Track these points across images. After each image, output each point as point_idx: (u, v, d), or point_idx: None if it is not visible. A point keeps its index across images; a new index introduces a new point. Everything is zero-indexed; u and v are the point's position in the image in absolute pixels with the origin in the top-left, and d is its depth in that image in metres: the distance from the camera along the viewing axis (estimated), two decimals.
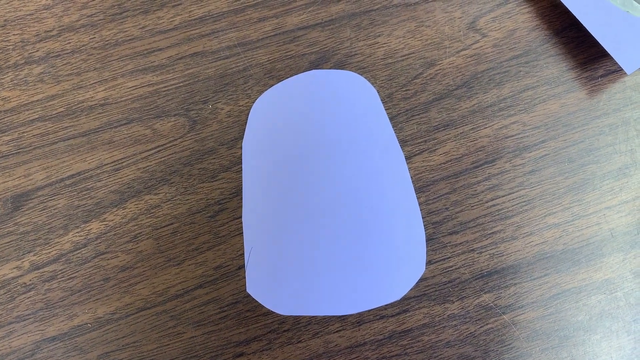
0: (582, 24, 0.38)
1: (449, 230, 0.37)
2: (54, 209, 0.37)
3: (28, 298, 0.36)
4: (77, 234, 0.36)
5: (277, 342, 0.35)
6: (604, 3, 0.38)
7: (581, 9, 0.38)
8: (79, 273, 0.36)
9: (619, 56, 0.37)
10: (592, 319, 0.36)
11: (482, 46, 0.39)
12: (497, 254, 0.36)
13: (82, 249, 0.36)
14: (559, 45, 0.39)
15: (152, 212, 0.37)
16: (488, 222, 0.37)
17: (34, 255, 0.36)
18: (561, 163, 0.38)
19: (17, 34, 0.39)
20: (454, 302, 0.36)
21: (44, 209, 0.37)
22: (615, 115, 0.38)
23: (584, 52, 0.39)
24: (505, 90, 0.38)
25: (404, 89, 0.38)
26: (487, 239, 0.37)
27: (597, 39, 0.37)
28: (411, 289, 0.36)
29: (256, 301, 0.36)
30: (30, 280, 0.36)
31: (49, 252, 0.36)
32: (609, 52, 0.37)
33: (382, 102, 0.38)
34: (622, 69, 0.39)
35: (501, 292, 0.36)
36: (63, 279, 0.36)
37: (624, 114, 0.38)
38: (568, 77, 0.39)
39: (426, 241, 0.36)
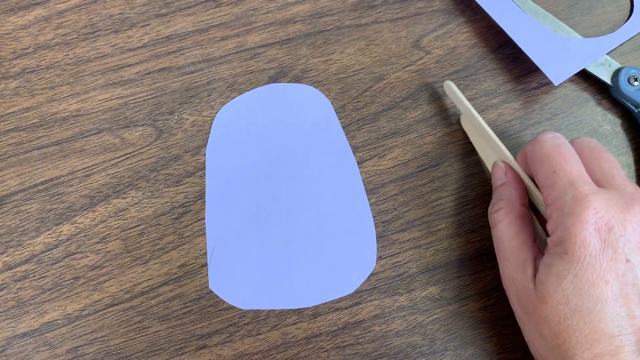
0: (515, 42, 0.43)
1: (397, 228, 0.40)
2: (27, 213, 0.39)
3: (0, 297, 0.38)
4: (48, 236, 0.39)
5: (238, 335, 0.38)
6: (534, 23, 0.43)
7: (514, 27, 0.43)
8: (50, 272, 0.39)
9: (547, 69, 0.42)
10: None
11: (425, 62, 0.44)
12: (442, 250, 0.40)
13: (53, 250, 0.39)
14: (495, 61, 0.44)
15: (120, 215, 0.40)
16: (433, 220, 0.41)
17: (6, 257, 0.39)
18: None
19: None
20: (402, 295, 0.39)
21: (17, 213, 0.39)
22: (546, 124, 0.43)
23: (518, 67, 0.44)
24: (447, 102, 0.43)
25: (355, 101, 0.43)
26: (432, 236, 0.40)
27: (528, 54, 0.42)
28: (363, 283, 0.39)
29: (218, 297, 0.39)
30: (2, 280, 0.38)
31: (22, 253, 0.39)
32: (538, 66, 0.42)
33: (336, 113, 0.42)
34: (551, 82, 0.43)
35: (446, 285, 0.40)
36: (34, 278, 0.38)
37: (554, 122, 0.43)
38: (504, 89, 0.43)
39: (376, 238, 0.40)
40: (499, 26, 0.45)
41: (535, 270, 0.33)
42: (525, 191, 0.37)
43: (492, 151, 0.40)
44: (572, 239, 0.31)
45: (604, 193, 0.32)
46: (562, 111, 0.43)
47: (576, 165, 0.33)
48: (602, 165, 0.34)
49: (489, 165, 0.40)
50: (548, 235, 0.33)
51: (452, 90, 0.41)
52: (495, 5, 0.44)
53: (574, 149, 0.35)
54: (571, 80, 0.44)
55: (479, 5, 0.45)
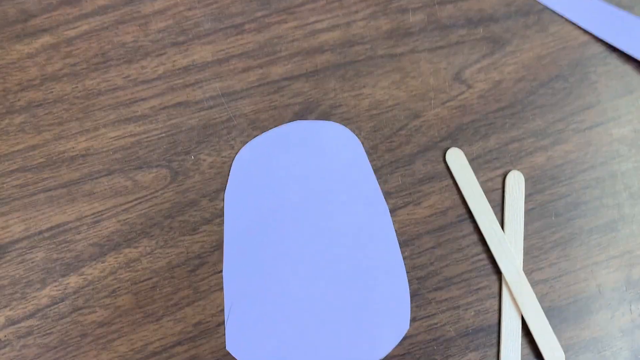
0: (566, 76, 0.40)
1: (433, 286, 0.37)
2: (32, 262, 0.37)
3: (3, 355, 0.36)
4: (54, 288, 0.37)
5: None
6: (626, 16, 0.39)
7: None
8: (56, 329, 0.36)
9: None
10: None
11: (467, 97, 0.40)
12: (483, 311, 0.37)
13: (60, 304, 0.37)
14: (545, 96, 0.40)
15: (132, 266, 0.37)
16: (474, 277, 0.38)
17: (9, 310, 0.37)
18: (547, 217, 0.38)
19: None
20: None
21: (21, 262, 0.37)
22: (602, 169, 0.39)
23: (571, 103, 0.40)
24: (491, 142, 0.39)
25: (388, 141, 0.39)
26: (472, 295, 0.37)
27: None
28: (395, 347, 0.36)
29: (236, 359, 0.36)
30: (5, 335, 0.36)
31: (25, 307, 0.37)
32: None
33: (367, 154, 0.39)
34: (609, 121, 0.40)
35: (487, 351, 0.37)
36: (39, 334, 0.36)
37: (610, 167, 0.39)
38: (555, 129, 0.40)
39: (410, 297, 0.37)
40: (549, 57, 0.41)
41: None
42: None
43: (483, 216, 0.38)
44: None
45: None
46: (620, 154, 0.40)
47: None
48: None
49: (474, 212, 0.38)
50: None
51: (457, 159, 0.38)
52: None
53: None
54: (630, 119, 0.40)
55: (527, 33, 0.41)
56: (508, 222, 0.38)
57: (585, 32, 0.41)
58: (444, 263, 0.38)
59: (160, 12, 0.41)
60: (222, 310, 0.37)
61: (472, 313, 0.37)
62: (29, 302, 0.37)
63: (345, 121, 0.40)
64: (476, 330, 0.37)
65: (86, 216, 0.38)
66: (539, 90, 0.41)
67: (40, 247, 0.38)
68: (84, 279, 0.37)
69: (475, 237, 0.38)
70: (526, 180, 0.39)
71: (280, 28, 0.41)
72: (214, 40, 0.41)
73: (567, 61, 0.41)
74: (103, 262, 0.38)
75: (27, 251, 0.38)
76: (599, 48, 0.41)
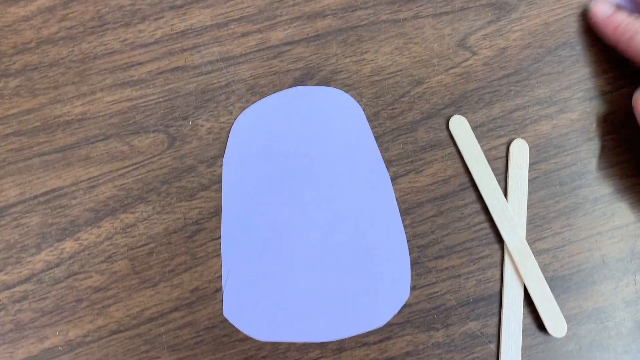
0: (573, 44, 0.39)
1: (434, 255, 0.37)
2: (27, 227, 0.37)
3: None
4: (50, 253, 0.36)
5: None
6: None
7: None
8: (51, 294, 0.36)
9: None
10: (582, 349, 0.36)
11: (472, 64, 0.39)
12: (484, 280, 0.37)
13: (55, 269, 0.36)
14: (551, 64, 0.39)
15: (128, 232, 0.37)
16: (475, 246, 0.37)
17: (4, 275, 0.36)
18: (552, 186, 0.38)
19: None
20: (438, 330, 0.36)
21: (16, 227, 0.37)
22: (607, 138, 0.39)
23: (577, 71, 0.39)
24: (495, 110, 0.39)
25: (390, 108, 0.39)
26: (473, 264, 0.37)
27: None
28: (394, 316, 0.36)
29: (233, 326, 0.36)
30: (0, 300, 0.36)
31: (21, 272, 0.36)
32: None
33: (368, 121, 0.38)
34: (616, 90, 0.39)
35: (488, 320, 0.36)
36: (34, 299, 0.36)
37: (617, 136, 0.39)
38: (560, 97, 0.39)
39: (411, 265, 0.37)
40: (556, 24, 0.40)
41: None
42: None
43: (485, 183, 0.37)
44: None
45: None
46: (626, 125, 0.39)
47: None
48: None
49: (477, 180, 0.37)
50: None
51: (461, 127, 0.37)
52: None
53: None
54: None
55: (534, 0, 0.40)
56: (511, 191, 0.38)
57: None
58: (445, 232, 0.37)
59: None
60: (220, 276, 0.37)
61: (473, 282, 0.37)
62: (24, 266, 0.37)
63: (347, 87, 0.39)
64: (477, 299, 0.37)
65: (82, 181, 0.38)
66: (545, 58, 0.40)
67: (36, 211, 0.37)
68: (79, 244, 0.37)
69: (477, 206, 0.38)
70: (530, 149, 0.38)
71: None
72: (213, 3, 0.40)
73: (575, 28, 0.40)
74: (99, 228, 0.37)
75: (22, 215, 0.37)
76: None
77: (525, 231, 0.37)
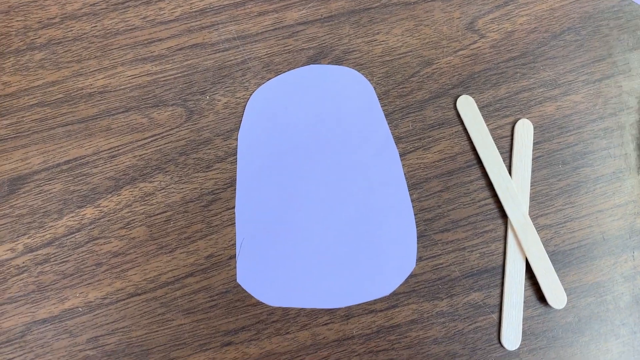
0: (578, 29, 0.40)
1: (440, 228, 0.38)
2: (50, 194, 0.38)
3: (21, 280, 0.37)
4: (71, 219, 0.38)
5: (266, 333, 0.37)
6: None
7: None
8: (72, 257, 0.38)
9: None
10: (580, 321, 0.37)
11: (479, 47, 0.41)
12: (488, 253, 0.38)
13: (76, 234, 0.38)
14: (556, 48, 0.41)
15: (146, 200, 0.38)
16: (480, 220, 0.39)
17: (28, 238, 0.38)
18: (555, 165, 0.39)
19: (20, 20, 0.41)
20: (443, 300, 0.38)
21: (39, 193, 0.38)
22: (610, 120, 0.40)
23: (581, 56, 0.41)
24: (501, 91, 0.40)
25: (400, 87, 0.40)
26: (478, 238, 0.38)
27: None
28: (400, 285, 0.38)
29: (246, 291, 0.37)
30: (23, 262, 0.38)
31: (43, 236, 0.38)
32: None
33: (378, 99, 0.40)
34: (619, 74, 0.40)
35: (491, 291, 0.38)
36: (56, 262, 0.38)
37: (619, 119, 0.40)
38: (564, 80, 0.41)
39: (417, 238, 0.38)
40: (562, 9, 0.41)
41: None
42: None
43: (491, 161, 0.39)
44: None
45: None
46: (629, 106, 0.40)
47: None
48: None
49: (483, 157, 0.39)
50: None
51: (468, 106, 0.39)
52: None
53: None
54: None
55: None
56: (516, 169, 0.39)
57: None
58: (451, 206, 0.39)
59: None
60: (234, 244, 0.38)
61: (477, 255, 0.38)
62: (47, 231, 0.38)
63: (358, 66, 0.41)
64: (481, 271, 0.38)
65: (103, 151, 0.39)
66: (550, 42, 0.41)
67: (58, 179, 0.39)
68: (99, 210, 0.38)
69: (482, 182, 0.39)
70: (535, 129, 0.40)
71: None
72: None
73: (579, 14, 0.42)
74: (119, 195, 0.39)
75: (45, 182, 0.39)
76: (611, 2, 0.42)
77: (528, 207, 0.39)
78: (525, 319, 0.37)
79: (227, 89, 0.40)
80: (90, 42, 0.41)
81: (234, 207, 0.39)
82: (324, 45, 0.41)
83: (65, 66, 0.40)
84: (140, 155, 0.39)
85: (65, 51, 0.41)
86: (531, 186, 0.39)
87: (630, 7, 0.42)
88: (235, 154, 0.39)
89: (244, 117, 0.40)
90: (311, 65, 0.41)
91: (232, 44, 0.41)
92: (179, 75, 0.40)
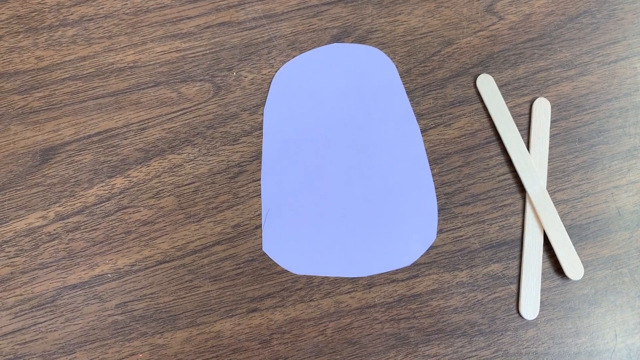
0: (594, 12, 0.42)
1: (460, 202, 0.40)
2: (81, 164, 0.40)
3: (52, 247, 0.38)
4: (101, 188, 0.39)
5: (290, 300, 0.38)
6: None
7: None
8: (102, 225, 0.39)
9: None
10: (597, 292, 0.38)
11: (498, 28, 0.42)
12: (507, 226, 0.39)
13: (106, 203, 0.39)
14: (572, 30, 0.42)
15: (175, 171, 0.40)
16: (499, 195, 0.40)
17: (59, 206, 0.39)
18: (571, 142, 0.41)
19: None
20: (463, 270, 0.39)
21: (70, 163, 0.40)
22: (625, 99, 0.41)
23: (597, 38, 0.42)
24: (519, 71, 0.42)
25: (422, 65, 0.42)
26: (497, 211, 0.39)
27: None
28: (422, 256, 0.39)
29: (271, 260, 0.38)
30: (54, 229, 0.39)
31: (74, 204, 0.39)
32: None
33: (400, 77, 0.41)
34: (634, 56, 0.41)
35: (509, 263, 0.39)
36: (86, 230, 0.39)
37: (634, 99, 0.41)
38: (580, 61, 0.42)
39: (438, 211, 0.39)
40: None
41: None
42: None
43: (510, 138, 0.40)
44: None
45: None
46: None
47: None
48: None
49: (502, 134, 0.40)
50: None
51: (488, 85, 0.40)
52: None
53: None
54: None
55: None
56: (534, 145, 0.40)
57: None
58: (471, 181, 0.40)
59: None
60: (260, 214, 0.39)
61: (497, 228, 0.39)
62: (77, 199, 0.39)
63: (381, 45, 0.42)
64: (500, 243, 0.39)
65: (133, 123, 0.40)
66: (567, 25, 0.43)
67: (89, 150, 0.40)
68: (129, 180, 0.40)
69: (501, 158, 0.40)
70: (552, 107, 0.41)
71: None
72: None
73: None
74: (148, 166, 0.40)
75: (76, 153, 0.40)
76: None
77: (545, 182, 0.40)
78: (543, 290, 0.38)
79: (254, 65, 0.42)
80: (121, 19, 0.42)
81: (259, 179, 0.40)
82: (347, 24, 0.42)
83: (97, 42, 0.42)
84: (169, 128, 0.40)
85: (97, 27, 0.42)
86: (549, 162, 0.40)
87: None
88: (261, 128, 0.41)
89: (269, 92, 0.41)
90: (335, 44, 0.42)
91: (258, 23, 0.42)
92: (207, 52, 0.42)
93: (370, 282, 0.38)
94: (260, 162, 0.40)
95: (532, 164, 0.40)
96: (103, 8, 0.42)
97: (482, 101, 0.41)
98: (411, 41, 0.42)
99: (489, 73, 0.42)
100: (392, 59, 0.42)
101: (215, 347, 0.37)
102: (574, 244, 0.39)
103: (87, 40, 0.42)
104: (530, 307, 0.38)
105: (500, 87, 0.41)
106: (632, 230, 0.40)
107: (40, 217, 0.39)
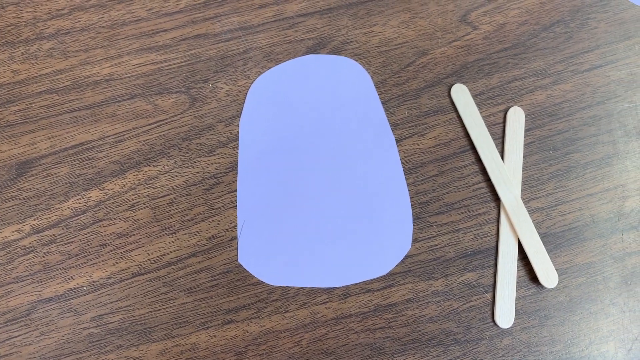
0: (567, 22, 0.42)
1: (435, 211, 0.40)
2: (56, 177, 0.40)
3: (27, 260, 0.38)
4: (77, 201, 0.39)
5: (266, 311, 0.38)
6: None
7: None
8: (77, 238, 0.39)
9: None
10: (572, 300, 0.39)
11: (472, 38, 0.43)
12: (482, 235, 0.39)
13: (81, 215, 0.39)
14: (546, 39, 0.43)
15: (151, 183, 0.40)
16: (474, 204, 0.40)
17: (34, 220, 0.39)
18: (545, 151, 0.41)
19: (30, 11, 0.42)
20: (438, 279, 0.39)
21: (46, 176, 0.40)
22: (599, 108, 0.42)
23: (570, 47, 0.43)
24: (493, 80, 0.42)
25: (396, 76, 0.42)
26: (472, 220, 0.40)
27: None
28: (397, 265, 0.39)
29: (247, 271, 0.39)
30: (30, 243, 0.39)
31: (49, 217, 0.39)
32: None
33: (376, 87, 0.42)
34: (606, 65, 0.42)
35: (484, 272, 0.39)
36: (62, 243, 0.39)
37: (607, 107, 0.42)
38: (554, 70, 0.42)
39: (413, 220, 0.39)
40: (551, 3, 0.43)
41: None
42: None
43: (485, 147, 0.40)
44: None
45: None
46: (616, 95, 0.42)
47: None
48: None
49: (476, 143, 0.40)
50: None
51: (462, 95, 0.41)
52: None
53: None
54: (627, 62, 0.42)
55: None
56: (508, 154, 0.41)
57: None
58: (446, 190, 0.40)
59: None
60: (235, 226, 0.39)
61: (471, 236, 0.40)
62: (53, 213, 0.39)
63: (356, 56, 0.42)
64: (474, 252, 0.39)
65: (108, 136, 0.41)
66: (540, 34, 0.43)
67: (65, 163, 0.40)
68: (105, 193, 0.40)
69: (476, 167, 0.41)
70: (526, 116, 0.41)
71: None
72: None
73: (568, 7, 0.44)
74: (123, 179, 0.40)
75: (52, 166, 0.40)
76: None
77: (520, 191, 0.40)
78: (518, 299, 0.39)
79: (229, 77, 0.42)
80: (98, 32, 0.42)
81: (235, 191, 0.40)
82: (322, 36, 0.43)
83: (73, 55, 0.42)
84: (144, 141, 0.41)
85: (73, 41, 0.42)
86: (523, 171, 0.41)
87: (616, 1, 0.44)
88: (236, 139, 0.41)
89: (245, 104, 0.41)
90: (310, 55, 0.42)
91: (234, 35, 0.43)
92: (183, 64, 0.42)
93: (346, 292, 0.39)
94: (236, 174, 0.40)
95: (507, 173, 0.40)
96: (79, 21, 0.43)
97: (456, 111, 0.41)
98: (386, 52, 0.42)
99: (463, 83, 0.42)
100: (367, 69, 0.42)
101: (191, 359, 0.38)
102: (548, 252, 0.39)
103: (63, 53, 0.42)
104: (505, 315, 0.38)
105: (474, 96, 0.42)
106: (606, 238, 0.40)
107: (15, 231, 0.39)
